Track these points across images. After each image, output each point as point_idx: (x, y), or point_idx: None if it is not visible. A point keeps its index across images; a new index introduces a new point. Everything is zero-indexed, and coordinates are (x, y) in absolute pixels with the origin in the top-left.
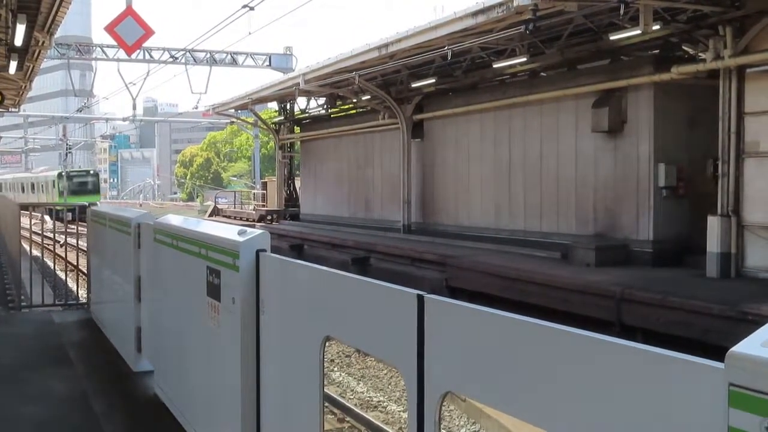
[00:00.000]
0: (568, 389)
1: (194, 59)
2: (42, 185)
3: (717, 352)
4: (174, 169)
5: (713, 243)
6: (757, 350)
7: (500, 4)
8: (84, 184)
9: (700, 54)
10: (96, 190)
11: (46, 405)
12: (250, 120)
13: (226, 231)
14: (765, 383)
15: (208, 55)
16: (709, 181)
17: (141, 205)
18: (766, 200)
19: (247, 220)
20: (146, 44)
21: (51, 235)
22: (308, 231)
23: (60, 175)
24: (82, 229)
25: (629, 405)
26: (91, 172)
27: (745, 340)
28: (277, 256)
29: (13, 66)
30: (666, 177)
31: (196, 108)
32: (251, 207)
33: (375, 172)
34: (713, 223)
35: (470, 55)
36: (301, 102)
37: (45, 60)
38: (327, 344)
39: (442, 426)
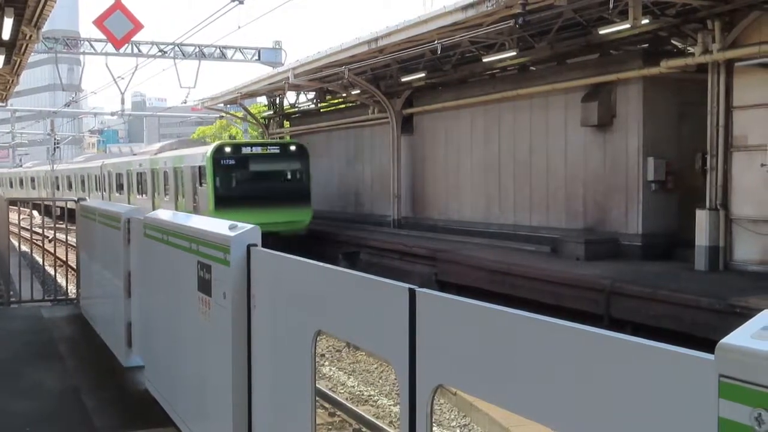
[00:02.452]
0: (559, 382)
1: (183, 53)
2: (166, 179)
3: (705, 344)
4: None
5: (702, 236)
6: (746, 342)
7: None
8: (278, 178)
9: (688, 48)
10: (304, 196)
11: (37, 400)
12: (240, 114)
13: (217, 226)
14: (755, 374)
15: (197, 49)
16: (697, 175)
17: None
18: (754, 194)
19: None
20: (135, 38)
21: (39, 231)
22: None
23: (219, 157)
24: (71, 225)
25: (620, 397)
26: (292, 148)
27: (735, 331)
28: (268, 250)
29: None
30: (655, 171)
31: (185, 102)
32: None
33: (365, 166)
34: (702, 217)
35: (460, 49)
36: (290, 96)
37: (32, 54)
38: (318, 338)
39: (432, 419)
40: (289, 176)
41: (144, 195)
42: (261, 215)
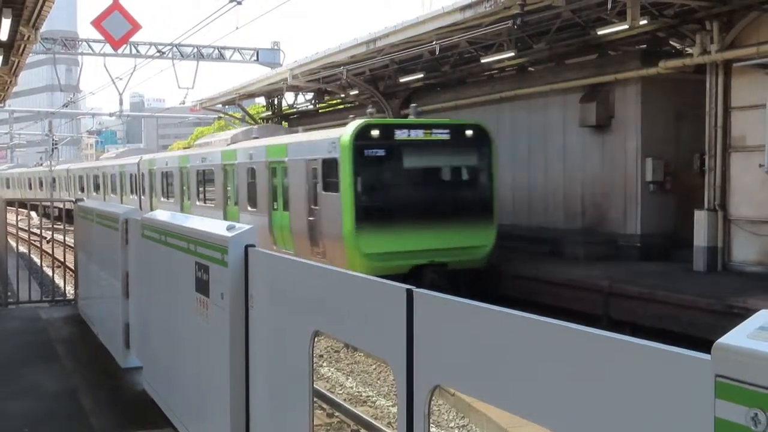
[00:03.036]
0: (557, 382)
1: (181, 54)
2: (252, 179)
3: (704, 345)
4: None
5: (700, 237)
6: (743, 342)
7: None
8: (448, 180)
9: (687, 49)
10: (485, 208)
11: (35, 401)
12: (238, 115)
13: (215, 226)
14: (751, 374)
15: (195, 50)
16: (695, 176)
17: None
18: (752, 194)
19: None
20: (133, 39)
21: (38, 232)
22: None
23: (364, 145)
24: (69, 225)
25: (617, 397)
26: (469, 132)
27: (731, 332)
28: (266, 251)
29: None
30: (653, 172)
31: (183, 103)
32: None
33: None
34: (700, 218)
35: (458, 50)
36: (289, 97)
37: (30, 55)
38: (316, 339)
39: (431, 420)
40: (464, 176)
41: (208, 202)
42: (422, 238)
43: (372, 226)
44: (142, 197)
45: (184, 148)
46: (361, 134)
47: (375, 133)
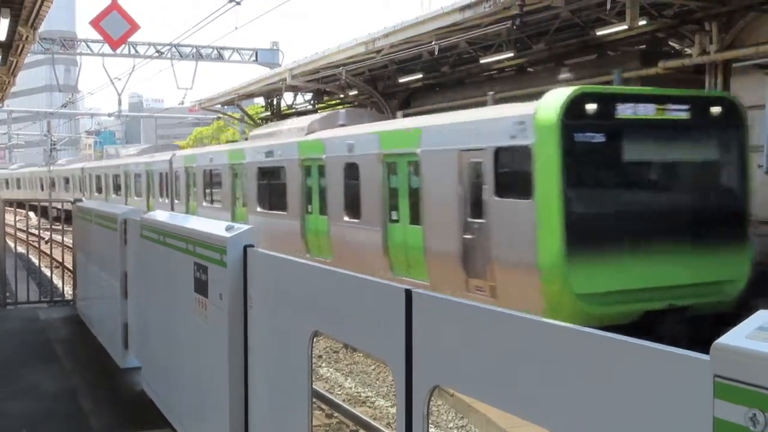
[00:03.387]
0: (555, 382)
1: (180, 54)
2: (352, 180)
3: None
4: None
5: None
6: (741, 342)
7: None
8: (689, 180)
9: (686, 49)
10: (737, 221)
11: (34, 401)
12: (237, 115)
13: (214, 226)
14: (750, 374)
15: (194, 50)
16: None
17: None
18: (751, 195)
19: None
20: (132, 39)
21: (36, 232)
22: None
23: (577, 126)
24: (68, 226)
25: (616, 397)
26: (715, 110)
27: (730, 332)
28: (265, 251)
29: None
30: None
31: (182, 103)
32: None
33: None
34: None
35: (457, 50)
36: (288, 97)
37: (29, 55)
38: (315, 339)
39: (430, 421)
40: (710, 176)
41: (275, 209)
42: (658, 271)
43: (590, 252)
44: (176, 201)
45: (227, 143)
46: (573, 109)
47: (591, 108)
